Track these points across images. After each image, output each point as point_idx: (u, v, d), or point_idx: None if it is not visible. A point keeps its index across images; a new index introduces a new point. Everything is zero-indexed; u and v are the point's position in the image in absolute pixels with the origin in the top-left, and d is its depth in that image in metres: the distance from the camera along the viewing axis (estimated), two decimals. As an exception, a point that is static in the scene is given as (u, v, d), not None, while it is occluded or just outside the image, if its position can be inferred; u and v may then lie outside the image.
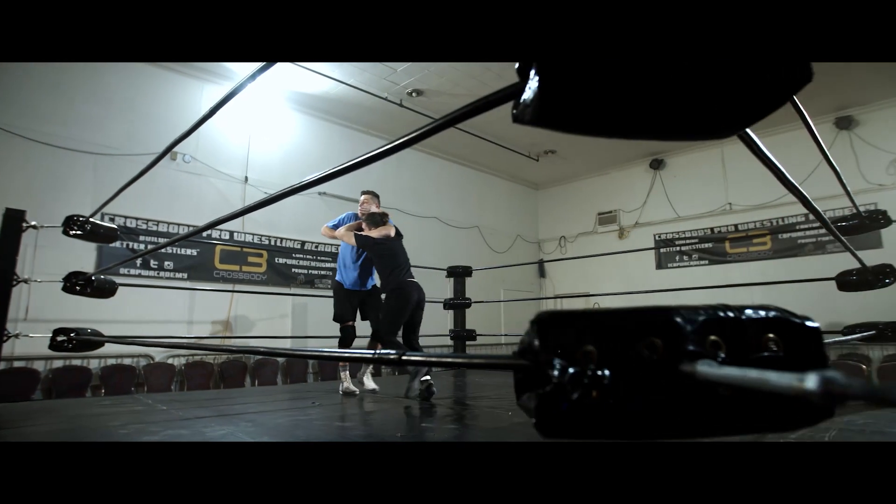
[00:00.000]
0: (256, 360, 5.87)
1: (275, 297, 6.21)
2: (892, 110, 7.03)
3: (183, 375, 5.34)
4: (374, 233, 3.64)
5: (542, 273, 10.48)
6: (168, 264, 5.42)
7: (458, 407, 3.03)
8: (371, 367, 3.69)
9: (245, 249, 6.01)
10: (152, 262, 5.32)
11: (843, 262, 7.54)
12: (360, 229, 3.72)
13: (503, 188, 10.10)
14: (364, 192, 3.96)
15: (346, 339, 3.62)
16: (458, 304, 5.46)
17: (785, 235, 7.72)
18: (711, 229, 8.49)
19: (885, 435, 1.73)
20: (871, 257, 7.30)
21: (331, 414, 2.76)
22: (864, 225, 3.24)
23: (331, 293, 3.92)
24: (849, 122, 7.28)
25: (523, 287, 9.99)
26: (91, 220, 2.83)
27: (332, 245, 6.70)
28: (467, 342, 5.67)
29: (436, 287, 8.00)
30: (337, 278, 3.82)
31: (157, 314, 5.24)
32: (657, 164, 9.15)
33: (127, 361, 5.14)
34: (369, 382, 3.69)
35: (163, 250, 5.37)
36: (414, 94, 6.78)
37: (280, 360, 6.04)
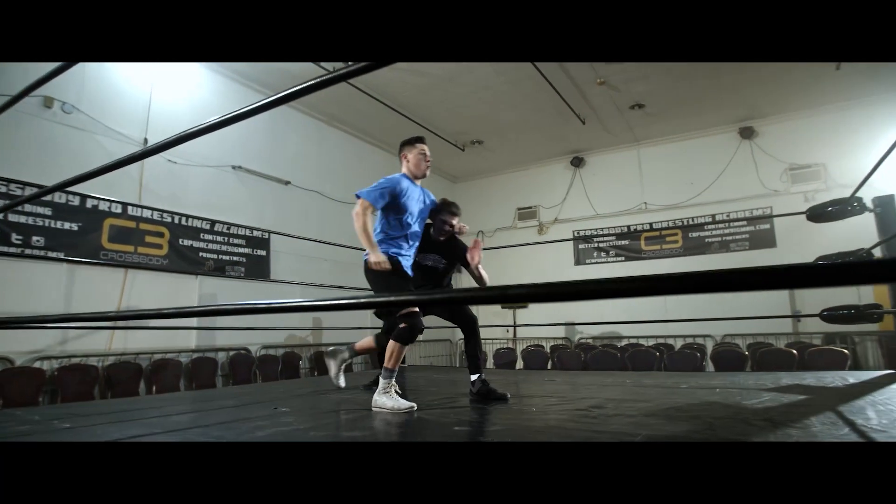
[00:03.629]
0: (154, 361, 4.82)
1: (178, 284, 5.18)
2: (785, 124, 7.72)
3: (56, 383, 4.18)
4: None
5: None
6: (37, 240, 4.22)
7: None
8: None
9: (142, 226, 4.91)
10: (14, 237, 4.10)
11: (743, 259, 8.13)
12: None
13: (424, 179, 9.66)
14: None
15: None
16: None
17: (694, 234, 8.19)
18: (628, 227, 8.79)
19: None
20: (768, 256, 8.00)
21: (309, 419, 2.14)
22: (846, 211, 3.28)
23: (243, 281, 3.24)
24: (751, 132, 7.90)
25: (440, 282, 9.62)
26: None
27: (246, 228, 5.79)
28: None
29: (354, 276, 7.35)
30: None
31: (18, 303, 4.04)
32: (577, 162, 9.30)
33: (-27, 366, 3.90)
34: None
35: (30, 221, 4.17)
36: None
37: (184, 361, 5.03)
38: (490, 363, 6.88)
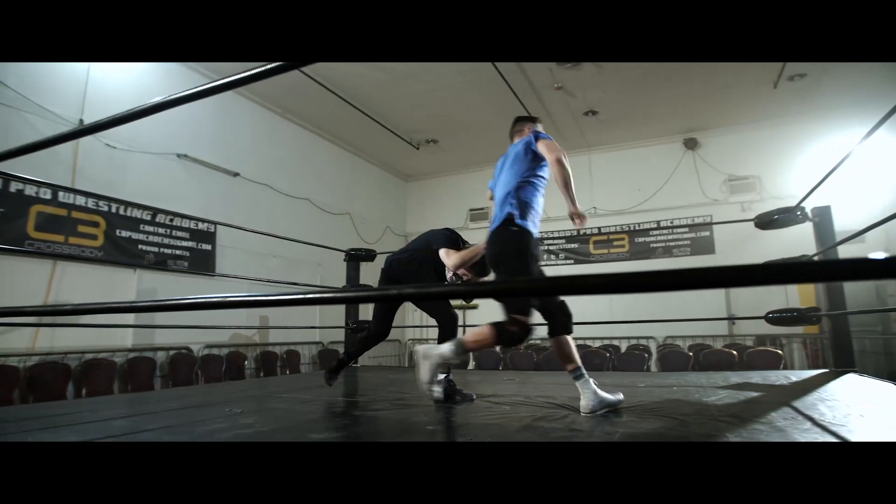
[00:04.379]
0: (84, 361, 4.46)
1: (114, 278, 4.82)
2: (726, 137, 8.15)
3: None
4: None
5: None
6: (-50, 226, 3.80)
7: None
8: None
9: (75, 214, 4.52)
10: (-77, 222, 3.67)
11: (685, 264, 8.48)
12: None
13: (375, 176, 9.52)
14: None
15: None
16: (360, 293, 4.79)
17: (640, 239, 8.48)
18: (577, 230, 8.98)
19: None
20: (707, 262, 8.38)
21: (271, 421, 2.01)
22: (791, 220, 3.46)
23: (186, 276, 2.91)
24: (694, 143, 8.27)
25: (391, 281, 9.51)
26: None
27: (191, 220, 5.46)
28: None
29: (305, 273, 7.14)
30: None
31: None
32: (530, 166, 9.41)
33: None
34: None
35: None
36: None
37: (118, 361, 4.69)
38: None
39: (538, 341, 8.33)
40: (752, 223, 3.84)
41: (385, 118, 7.56)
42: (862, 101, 6.95)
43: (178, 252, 5.42)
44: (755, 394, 2.59)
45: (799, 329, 7.16)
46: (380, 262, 5.36)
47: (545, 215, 9.56)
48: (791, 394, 2.54)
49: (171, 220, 5.34)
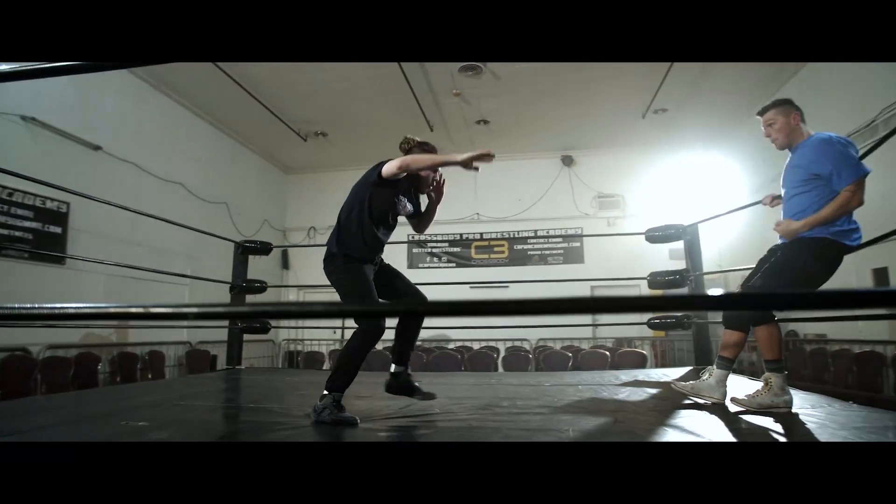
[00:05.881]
0: None
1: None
2: (597, 157, 8.96)
3: None
4: None
5: (285, 264, 9.57)
6: None
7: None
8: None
9: None
10: None
11: (559, 271, 9.05)
12: None
13: (254, 165, 8.86)
14: None
15: None
16: (251, 289, 4.41)
17: (519, 246, 8.98)
18: (460, 235, 9.24)
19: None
20: (577, 270, 9.04)
21: (198, 431, 1.75)
22: (675, 235, 3.90)
23: (28, 264, 2.36)
24: (570, 160, 8.99)
25: (265, 277, 8.90)
26: None
27: (37, 197, 4.59)
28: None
29: (176, 264, 6.35)
30: None
31: None
32: (418, 168, 9.47)
33: None
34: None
35: None
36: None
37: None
38: (327, 364, 6.60)
39: (420, 343, 8.40)
40: (615, 237, 4.26)
41: (275, 104, 7.08)
42: (708, 134, 8.14)
43: (17, 234, 4.52)
44: (654, 390, 2.85)
45: (650, 332, 8.14)
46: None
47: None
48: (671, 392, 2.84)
49: (11, 195, 4.43)
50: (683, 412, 2.11)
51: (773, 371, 2.11)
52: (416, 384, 2.30)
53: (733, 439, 1.69)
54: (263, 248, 4.48)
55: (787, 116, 2.18)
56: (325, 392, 2.02)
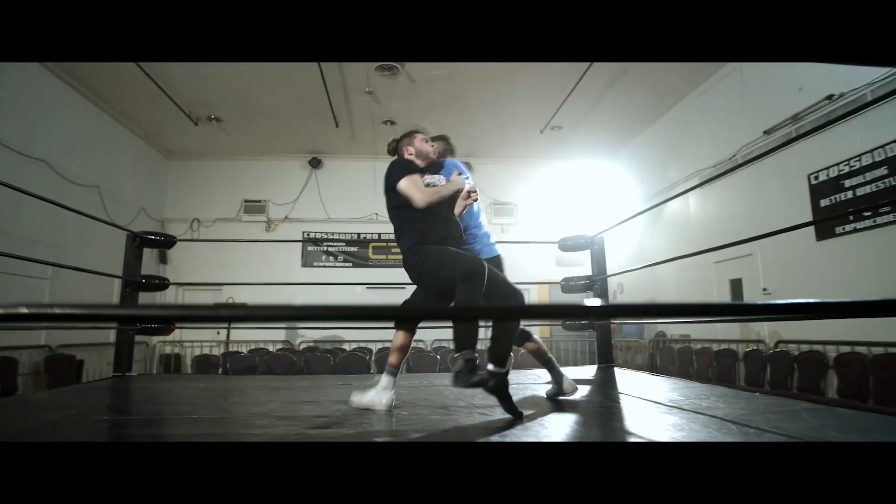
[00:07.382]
0: None
1: None
2: (495, 166, 9.34)
3: None
4: None
5: (162, 258, 8.69)
6: None
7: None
8: None
9: None
10: None
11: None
12: None
13: (134, 146, 7.93)
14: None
15: None
16: (153, 286, 3.98)
17: (417, 248, 9.08)
18: (358, 234, 9.12)
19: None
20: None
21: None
22: (586, 245, 4.27)
23: None
24: (469, 167, 9.29)
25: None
26: None
27: None
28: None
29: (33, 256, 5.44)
30: None
31: None
32: (316, 163, 9.19)
33: None
34: None
35: None
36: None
37: None
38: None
39: (310, 344, 8.13)
40: (510, 244, 4.54)
41: (165, 80, 6.40)
42: (598, 151, 8.95)
43: None
44: (580, 386, 3.10)
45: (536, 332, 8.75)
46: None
47: (326, 216, 9.51)
48: (601, 385, 3.13)
49: None
50: (621, 405, 2.33)
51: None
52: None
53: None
54: (167, 242, 4.07)
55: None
56: (455, 355, 1.95)
